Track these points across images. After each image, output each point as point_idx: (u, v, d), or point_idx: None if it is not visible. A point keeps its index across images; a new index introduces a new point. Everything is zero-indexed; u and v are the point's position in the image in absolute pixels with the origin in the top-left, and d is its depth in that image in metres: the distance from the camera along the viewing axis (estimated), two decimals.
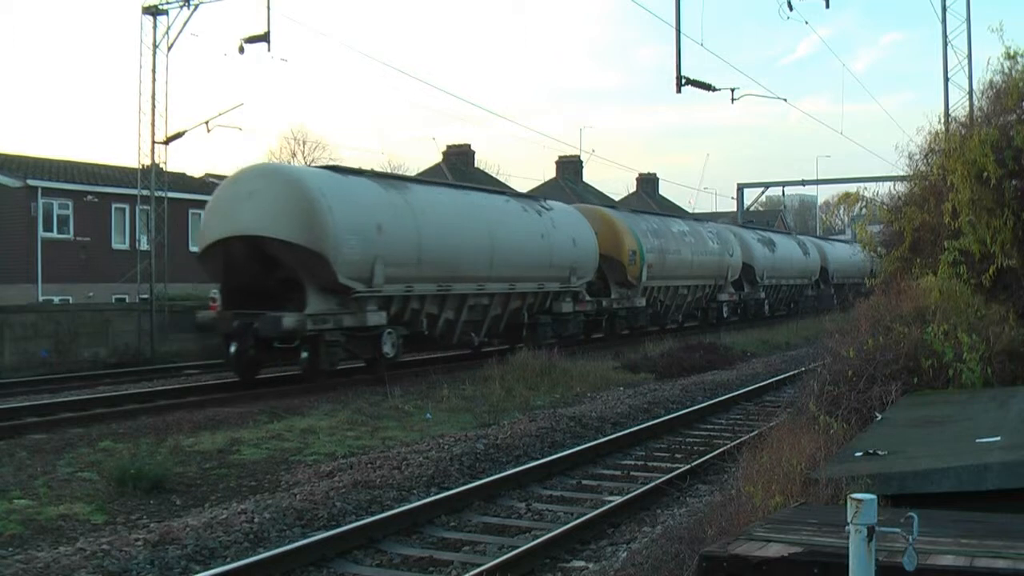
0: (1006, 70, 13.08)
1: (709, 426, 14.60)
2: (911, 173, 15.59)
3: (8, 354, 20.44)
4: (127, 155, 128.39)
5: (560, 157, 58.16)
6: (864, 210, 17.27)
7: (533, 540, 7.96)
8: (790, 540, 4.44)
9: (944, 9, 24.56)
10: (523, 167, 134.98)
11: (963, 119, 16.21)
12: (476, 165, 53.50)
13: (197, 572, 7.03)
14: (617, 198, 55.24)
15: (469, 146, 52.13)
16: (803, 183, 53.35)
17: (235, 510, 8.61)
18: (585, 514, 8.84)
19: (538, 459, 11.34)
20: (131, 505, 9.04)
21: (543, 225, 23.31)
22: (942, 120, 16.47)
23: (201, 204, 34.98)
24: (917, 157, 15.38)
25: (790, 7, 22.82)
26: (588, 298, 25.56)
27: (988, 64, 31.75)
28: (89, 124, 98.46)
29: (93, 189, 31.88)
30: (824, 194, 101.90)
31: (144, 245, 27.43)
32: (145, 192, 25.46)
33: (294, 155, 63.23)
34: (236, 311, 17.04)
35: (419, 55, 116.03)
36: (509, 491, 9.95)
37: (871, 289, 14.67)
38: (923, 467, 5.73)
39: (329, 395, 16.03)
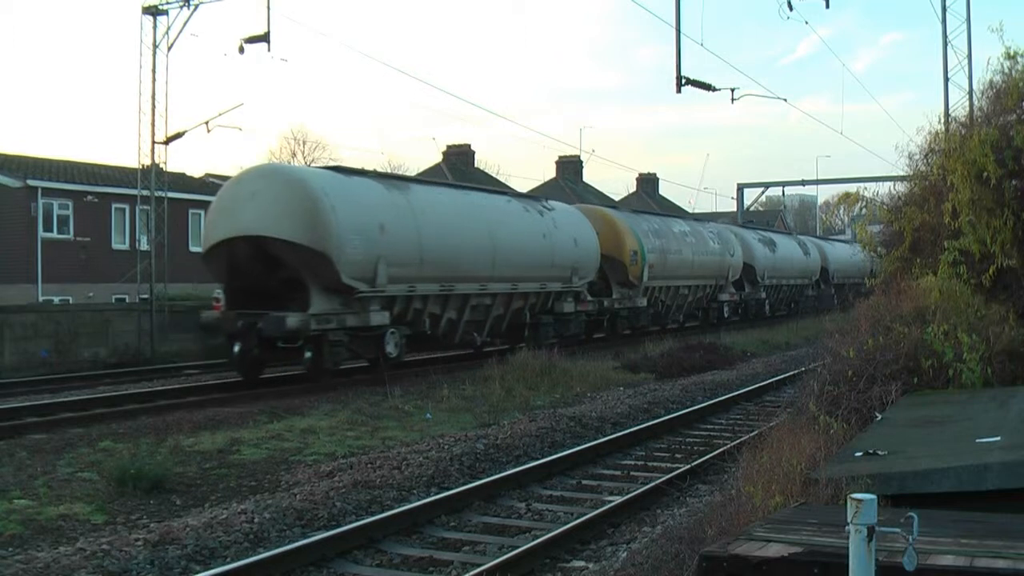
0: (1006, 70, 13.09)
1: (709, 426, 14.60)
2: (911, 173, 15.59)
3: (8, 354, 20.45)
4: (127, 155, 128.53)
5: (560, 157, 58.18)
6: (864, 210, 17.27)
7: (533, 540, 7.96)
8: (790, 540, 4.44)
9: (944, 9, 24.57)
10: (523, 167, 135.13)
11: (963, 119, 16.22)
12: (476, 165, 53.51)
13: (197, 572, 7.03)
14: (617, 198, 55.27)
15: (469, 146, 52.14)
16: (803, 183, 53.36)
17: (235, 510, 8.61)
18: (585, 514, 8.84)
19: (538, 459, 11.34)
20: (131, 505, 9.04)
21: (545, 225, 23.36)
22: (942, 120, 16.48)
23: (201, 204, 35.13)
24: (917, 157, 15.40)
25: (790, 7, 22.84)
26: (590, 298, 25.62)
27: (988, 64, 31.78)
28: (89, 124, 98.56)
29: (93, 189, 31.88)
30: (824, 194, 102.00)
31: (144, 245, 27.42)
32: (145, 192, 25.46)
33: (294, 155, 63.26)
34: (240, 311, 17.10)
35: (419, 55, 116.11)
36: (509, 491, 9.95)
37: (871, 289, 14.67)
38: (923, 467, 5.73)
39: (329, 395, 16.03)
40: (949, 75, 24.60)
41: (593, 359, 21.26)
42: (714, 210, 66.96)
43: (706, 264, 32.55)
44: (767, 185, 53.93)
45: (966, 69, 24.17)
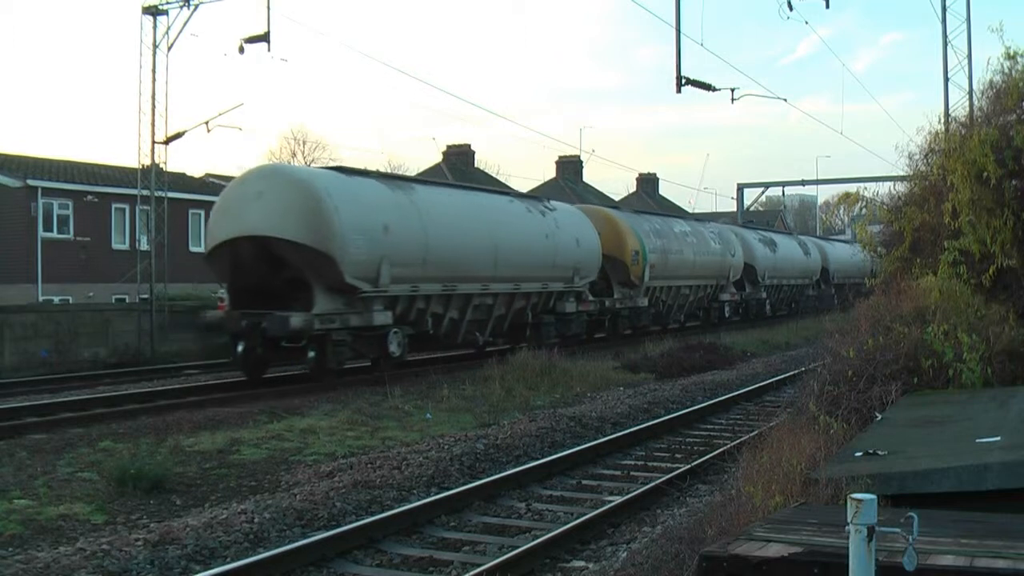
0: (1006, 70, 13.08)
1: (709, 426, 14.60)
2: (911, 173, 15.59)
3: (8, 354, 20.45)
4: (127, 155, 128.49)
5: (560, 157, 58.18)
6: (864, 210, 17.25)
7: (533, 540, 7.96)
8: (790, 540, 4.44)
9: (944, 9, 24.56)
10: (523, 167, 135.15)
11: (963, 119, 16.21)
12: (476, 165, 53.50)
13: (197, 572, 7.03)
14: (617, 198, 55.26)
15: (469, 146, 52.12)
16: (803, 183, 53.35)
17: (235, 510, 8.61)
18: (585, 514, 8.83)
19: (538, 459, 11.34)
20: (131, 505, 9.04)
21: (547, 225, 23.44)
22: (942, 120, 16.47)
23: (201, 204, 35.17)
24: (917, 157, 15.39)
25: (790, 7, 22.84)
26: (591, 298, 25.70)
27: (988, 64, 31.76)
28: (89, 124, 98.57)
29: (93, 189, 31.88)
30: (824, 194, 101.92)
31: (144, 245, 27.42)
32: (145, 192, 25.46)
33: (294, 155, 63.24)
34: (243, 311, 17.17)
35: (419, 55, 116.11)
36: (509, 491, 9.95)
37: (871, 289, 14.67)
38: (923, 467, 5.73)
39: (329, 395, 16.04)
40: (949, 75, 24.62)
41: (593, 359, 21.26)
42: (714, 210, 67.03)
43: (707, 264, 32.59)
44: (767, 185, 53.92)
45: (966, 69, 24.20)
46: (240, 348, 17.22)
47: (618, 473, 11.19)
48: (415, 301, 19.17)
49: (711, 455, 11.31)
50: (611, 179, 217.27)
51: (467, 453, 11.36)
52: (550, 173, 59.40)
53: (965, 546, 4.27)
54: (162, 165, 25.55)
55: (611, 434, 13.12)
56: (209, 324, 18.31)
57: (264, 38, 22.81)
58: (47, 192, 30.47)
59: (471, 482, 10.08)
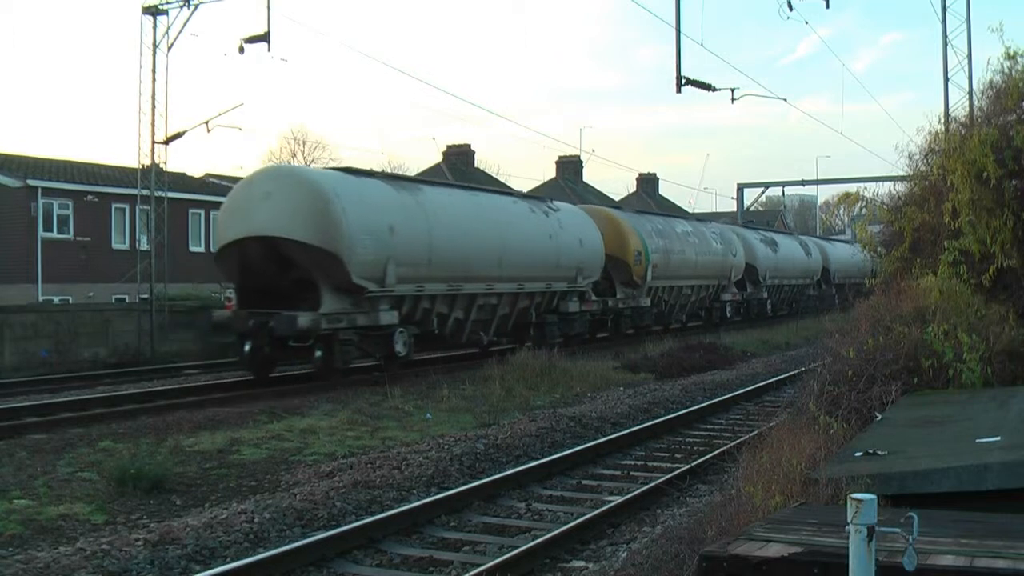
0: (1006, 70, 13.08)
1: (709, 426, 14.60)
2: (911, 173, 15.58)
3: (8, 354, 20.45)
4: (127, 155, 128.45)
5: (560, 157, 58.17)
6: (864, 210, 17.25)
7: (533, 540, 7.96)
8: (790, 540, 4.44)
9: (944, 9, 24.56)
10: (523, 167, 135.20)
11: (963, 119, 16.21)
12: (476, 165, 53.49)
13: (197, 572, 7.03)
14: (617, 198, 55.26)
15: (469, 146, 52.12)
16: (803, 183, 53.34)
17: (235, 510, 8.61)
18: (585, 514, 8.83)
19: (538, 459, 11.34)
20: (131, 505, 9.04)
21: (551, 226, 23.55)
22: (942, 120, 16.46)
23: (201, 204, 35.21)
24: (917, 157, 15.39)
25: (790, 7, 22.84)
26: (594, 298, 25.82)
27: (988, 64, 31.73)
28: (89, 124, 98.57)
29: (93, 189, 31.89)
30: (824, 194, 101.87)
31: (144, 245, 27.42)
32: (145, 192, 25.45)
33: (294, 155, 63.23)
34: (251, 311, 17.29)
35: (419, 55, 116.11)
36: (509, 491, 9.95)
37: (871, 289, 14.67)
38: (923, 467, 5.73)
39: (329, 395, 16.04)
40: (949, 75, 24.62)
41: (593, 359, 21.27)
42: (714, 210, 67.01)
43: (709, 264, 32.66)
44: (767, 185, 53.92)
45: (966, 69, 24.19)
46: (247, 348, 17.36)
47: (618, 473, 11.19)
48: (421, 301, 19.32)
49: (711, 455, 11.31)
50: (611, 179, 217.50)
51: (467, 453, 11.36)
52: (550, 173, 59.46)
53: (965, 546, 4.27)
54: (162, 165, 25.56)
55: (611, 434, 13.12)
56: (217, 324, 18.41)
57: (264, 38, 22.82)
58: (47, 192, 30.47)
59: (471, 482, 10.07)
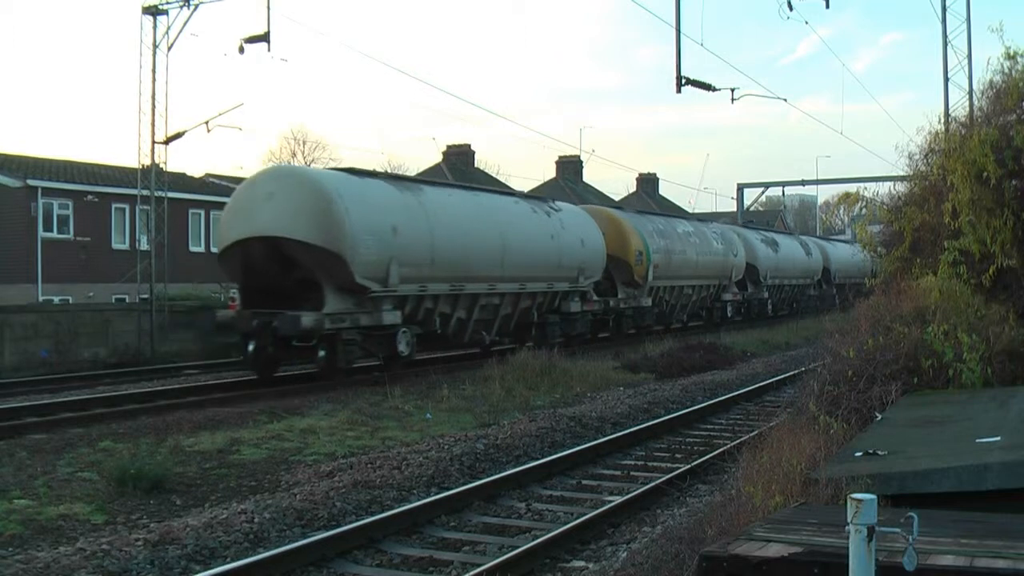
0: (1006, 70, 13.08)
1: (709, 426, 14.60)
2: (911, 173, 15.58)
3: (8, 354, 20.44)
4: (127, 155, 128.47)
5: (560, 157, 58.17)
6: (864, 210, 17.25)
7: (533, 540, 7.96)
8: (790, 540, 4.44)
9: (944, 9, 24.56)
10: (523, 167, 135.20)
11: (963, 119, 16.20)
12: (476, 165, 53.50)
13: (197, 572, 7.03)
14: (617, 198, 55.27)
15: (469, 146, 52.12)
16: (803, 183, 53.35)
17: (235, 510, 8.61)
18: (585, 514, 8.83)
19: (538, 459, 11.34)
20: (131, 505, 9.04)
21: (552, 226, 23.63)
22: (942, 120, 16.46)
23: (201, 204, 35.21)
24: (917, 157, 15.39)
25: (790, 7, 22.84)
26: (596, 298, 25.90)
27: (988, 64, 31.73)
28: (89, 124, 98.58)
29: (93, 189, 31.89)
30: (824, 194, 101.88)
31: (144, 245, 27.42)
32: (145, 192, 25.45)
33: (294, 155, 63.24)
34: (255, 311, 17.38)
35: (419, 55, 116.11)
36: (509, 491, 9.95)
37: (871, 289, 14.67)
38: (923, 467, 5.73)
39: (329, 395, 16.04)
40: (949, 75, 24.62)
41: (593, 359, 21.27)
42: (714, 210, 67.00)
43: (710, 264, 32.71)
44: (767, 185, 53.92)
45: (966, 69, 24.19)
46: (251, 347, 17.44)
47: (618, 473, 11.19)
48: (423, 301, 19.39)
49: (711, 455, 11.31)
50: (611, 179, 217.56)
51: (467, 453, 11.36)
52: (550, 173, 59.46)
53: (965, 546, 4.27)
54: (162, 165, 25.56)
55: (611, 434, 13.12)
56: (221, 323, 18.54)
57: (264, 38, 22.82)
58: (47, 192, 30.47)
59: (471, 482, 10.07)
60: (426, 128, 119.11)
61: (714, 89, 23.62)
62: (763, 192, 56.49)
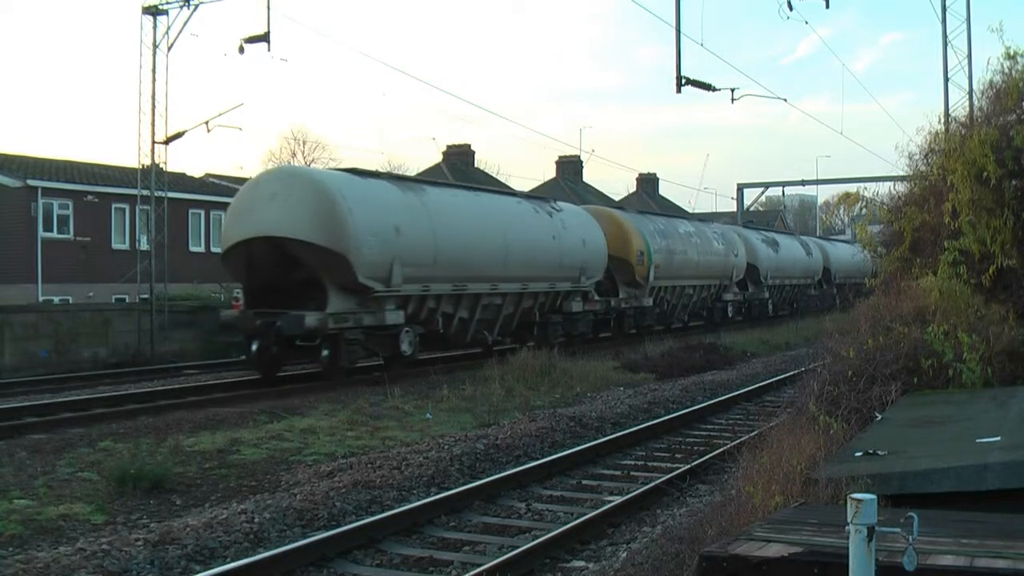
0: (1006, 70, 13.08)
1: (709, 426, 14.60)
2: (911, 173, 15.56)
3: (8, 354, 20.44)
4: (127, 155, 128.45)
5: (560, 157, 58.18)
6: (864, 210, 17.23)
7: (533, 540, 7.96)
8: (790, 540, 4.44)
9: (944, 9, 24.54)
10: (523, 167, 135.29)
11: (963, 119, 16.19)
12: (476, 165, 53.51)
13: (197, 572, 7.03)
14: (617, 198, 55.29)
15: (469, 146, 52.14)
16: (803, 183, 53.30)
17: (235, 510, 8.61)
18: (585, 514, 8.83)
19: (538, 459, 11.34)
20: (131, 505, 9.04)
21: (554, 226, 23.70)
22: (942, 120, 16.44)
23: (201, 204, 35.22)
24: (917, 157, 15.36)
25: (790, 7, 22.84)
26: (597, 297, 25.98)
27: (988, 64, 31.69)
28: (89, 124, 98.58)
29: (93, 189, 31.88)
30: (824, 194, 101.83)
31: (144, 245, 27.42)
32: (145, 192, 25.45)
33: (294, 155, 63.27)
34: (258, 311, 17.44)
35: (419, 55, 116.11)
36: (509, 491, 9.95)
37: (871, 289, 14.67)
38: (923, 467, 5.73)
39: (329, 395, 16.05)
40: (949, 75, 24.58)
41: (593, 359, 21.28)
42: (714, 210, 67.01)
43: (711, 264, 32.75)
44: (767, 185, 53.88)
45: (966, 69, 24.15)
46: (254, 347, 17.52)
47: (618, 473, 11.19)
48: (426, 301, 19.47)
49: (711, 455, 11.31)
50: (611, 179, 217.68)
51: (467, 453, 11.36)
52: (550, 173, 59.46)
53: (965, 546, 4.27)
54: (162, 165, 25.54)
55: (611, 434, 13.12)
56: (225, 323, 18.65)
57: (264, 38, 22.81)
58: (47, 192, 30.46)
59: (471, 482, 10.07)
60: (426, 128, 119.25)
61: (714, 89, 23.63)
62: (763, 192, 56.45)
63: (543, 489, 10.27)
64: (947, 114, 20.34)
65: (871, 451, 6.34)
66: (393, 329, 18.46)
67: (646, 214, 32.26)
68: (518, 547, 7.71)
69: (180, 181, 33.42)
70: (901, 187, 16.30)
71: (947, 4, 24.49)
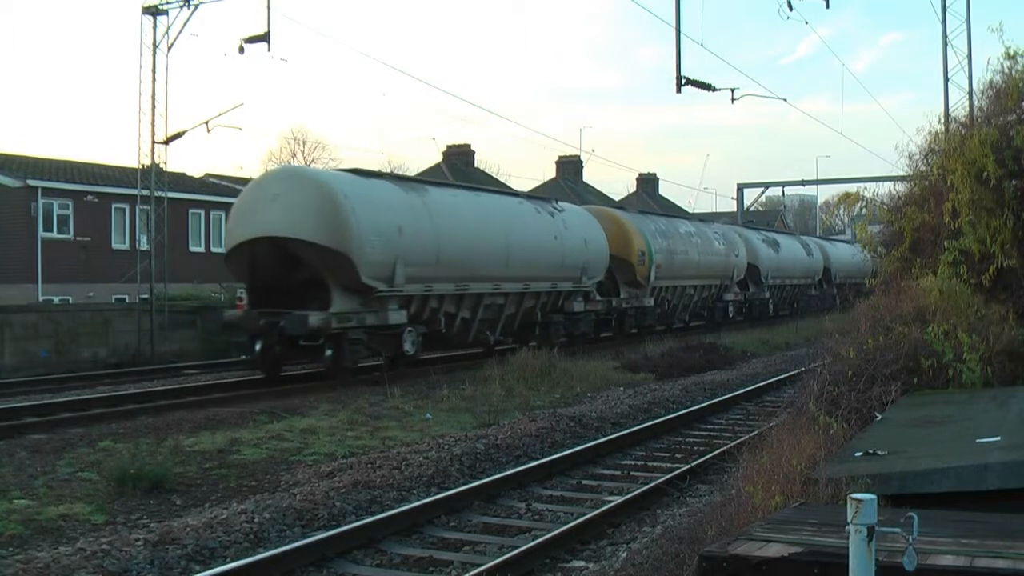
0: (1006, 70, 13.08)
1: (709, 426, 14.60)
2: (911, 173, 15.55)
3: (8, 354, 20.45)
4: (127, 155, 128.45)
5: (560, 157, 58.17)
6: (864, 210, 17.23)
7: (533, 540, 7.95)
8: (790, 540, 4.44)
9: (944, 9, 24.54)
10: (523, 167, 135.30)
11: (963, 119, 16.20)
12: (476, 165, 53.50)
13: (197, 572, 7.03)
14: (617, 198, 55.29)
15: (469, 146, 52.13)
16: (803, 183, 53.33)
17: (235, 510, 8.61)
18: (585, 514, 8.83)
19: (538, 459, 11.34)
20: (131, 505, 9.04)
21: (556, 226, 23.75)
22: (942, 120, 16.44)
23: (201, 204, 35.23)
24: (917, 157, 15.36)
25: (790, 7, 22.84)
26: (599, 297, 26.04)
27: (988, 64, 31.68)
28: (89, 124, 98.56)
29: (93, 189, 31.89)
30: (824, 194, 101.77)
31: (144, 245, 27.42)
32: (145, 192, 25.45)
33: (294, 155, 63.26)
34: (262, 310, 17.50)
35: (419, 55, 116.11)
36: (509, 491, 9.94)
37: (871, 289, 14.67)
38: (923, 467, 5.73)
39: (329, 395, 16.06)
40: (949, 75, 24.58)
41: (594, 359, 21.29)
42: (714, 210, 67.00)
43: (711, 264, 32.79)
44: (767, 185, 53.91)
45: (966, 69, 24.15)
46: (258, 347, 17.58)
47: (618, 473, 11.19)
48: (429, 300, 19.53)
49: (711, 455, 11.31)
50: (611, 179, 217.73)
51: (467, 453, 11.36)
52: (550, 173, 59.46)
53: (965, 546, 4.27)
54: (162, 165, 25.55)
55: (611, 434, 13.12)
56: (228, 323, 18.70)
57: (264, 38, 22.82)
58: (47, 192, 30.47)
59: (471, 482, 10.07)
60: (426, 128, 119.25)
61: (714, 89, 23.63)
62: (763, 192, 56.49)
63: (543, 489, 10.27)
64: (947, 114, 20.34)
65: (871, 451, 6.34)
66: (396, 329, 18.51)
67: (647, 214, 32.30)
68: (518, 547, 7.71)
69: (180, 181, 33.42)
70: (901, 187, 16.30)
71: (947, 4, 24.50)
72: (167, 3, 24.09)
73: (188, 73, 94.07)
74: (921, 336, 9.58)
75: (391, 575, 7.50)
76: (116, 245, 32.37)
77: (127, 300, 28.07)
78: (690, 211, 58.18)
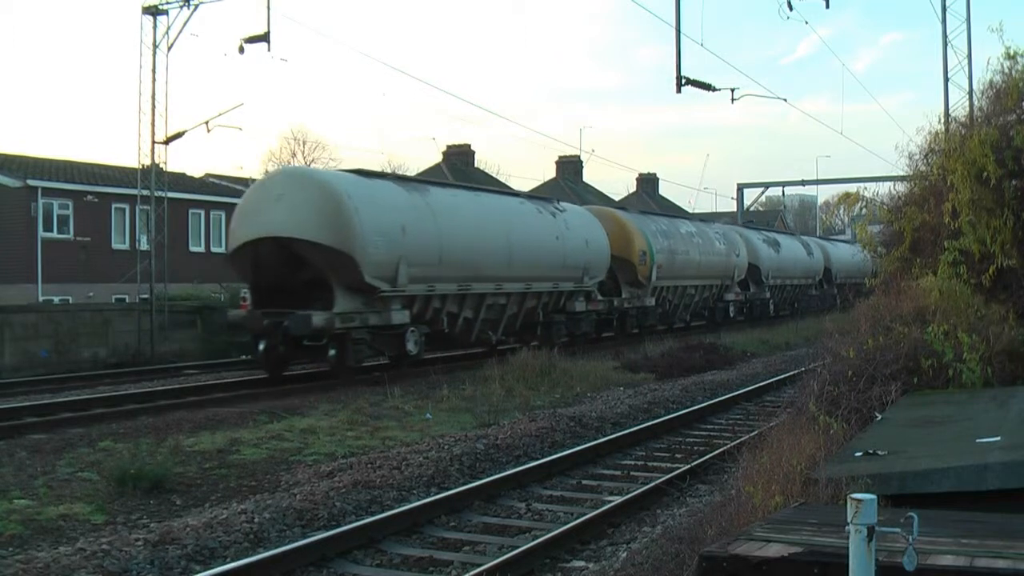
0: (1006, 70, 13.08)
1: (709, 426, 14.60)
2: (911, 173, 15.55)
3: (8, 354, 20.45)
4: (127, 155, 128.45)
5: (560, 157, 58.19)
6: (864, 210, 17.23)
7: (533, 540, 7.95)
8: (790, 540, 4.44)
9: (944, 9, 24.54)
10: (523, 167, 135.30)
11: (963, 119, 16.19)
12: (476, 165, 53.50)
13: (197, 572, 7.03)
14: (617, 198, 55.31)
15: (469, 146, 52.14)
16: (803, 183, 53.33)
17: (235, 510, 8.61)
18: (585, 514, 8.83)
19: (538, 459, 11.34)
20: (131, 505, 9.04)
21: (557, 226, 23.80)
22: (942, 120, 16.44)
23: (201, 204, 35.24)
24: (917, 157, 15.36)
25: (790, 7, 22.84)
26: (600, 297, 26.09)
27: (988, 64, 31.68)
28: (89, 124, 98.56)
29: (93, 189, 31.89)
30: (824, 194, 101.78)
31: (144, 245, 27.42)
32: (145, 192, 25.45)
33: (294, 155, 63.25)
34: (265, 310, 17.57)
35: (419, 55, 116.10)
36: (509, 491, 9.94)
37: (871, 289, 14.67)
38: (923, 467, 5.73)
39: (329, 395, 16.06)
40: (949, 75, 24.58)
41: (594, 359, 21.29)
42: (714, 210, 67.00)
43: (712, 264, 32.84)
44: (767, 185, 53.91)
45: (966, 69, 24.15)
46: (262, 347, 17.65)
47: (618, 473, 11.19)
48: (431, 300, 19.60)
49: (711, 455, 11.30)
50: (611, 179, 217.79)
51: (467, 453, 11.36)
52: (550, 173, 59.47)
53: (965, 546, 4.27)
54: (162, 165, 25.55)
55: (611, 434, 13.12)
56: (232, 323, 18.80)
57: (264, 38, 22.82)
58: (47, 192, 30.48)
59: (471, 482, 10.07)
60: (426, 128, 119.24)
61: (714, 89, 23.64)
62: (763, 192, 56.48)
63: (543, 489, 10.27)
64: (947, 114, 20.34)
65: (871, 451, 6.33)
66: (399, 329, 18.57)
67: (648, 214, 32.35)
68: (518, 547, 7.71)
69: (180, 181, 33.42)
70: (901, 187, 16.30)
71: (947, 4, 24.50)
72: (167, 3, 24.10)
73: (188, 73, 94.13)
74: (921, 336, 9.58)
75: (391, 575, 7.50)
76: (116, 245, 32.38)
77: (127, 300, 28.07)
78: (690, 211, 58.22)
